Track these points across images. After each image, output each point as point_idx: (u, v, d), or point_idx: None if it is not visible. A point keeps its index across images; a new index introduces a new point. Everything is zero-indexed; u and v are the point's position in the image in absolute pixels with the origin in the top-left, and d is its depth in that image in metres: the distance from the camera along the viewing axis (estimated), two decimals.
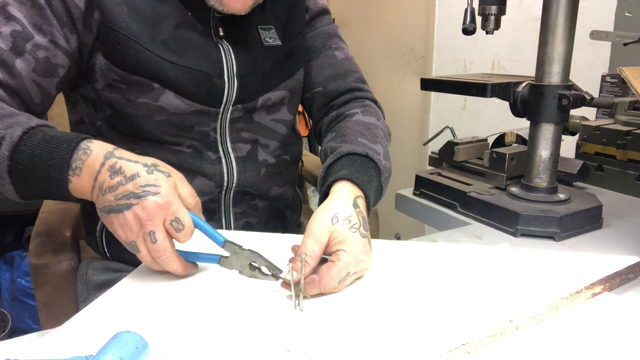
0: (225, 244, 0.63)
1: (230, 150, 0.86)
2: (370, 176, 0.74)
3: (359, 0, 2.37)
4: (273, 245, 0.73)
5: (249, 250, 0.63)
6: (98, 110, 0.82)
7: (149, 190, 0.60)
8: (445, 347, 0.50)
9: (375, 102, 0.97)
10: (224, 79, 0.82)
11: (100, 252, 0.91)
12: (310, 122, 1.05)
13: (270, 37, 0.87)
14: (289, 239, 0.75)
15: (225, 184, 0.86)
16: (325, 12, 0.98)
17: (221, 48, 0.82)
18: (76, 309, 0.92)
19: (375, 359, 0.49)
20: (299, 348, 0.51)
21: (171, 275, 0.65)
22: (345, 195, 0.69)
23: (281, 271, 0.63)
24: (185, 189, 0.64)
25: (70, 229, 1.05)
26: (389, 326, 0.54)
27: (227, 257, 0.64)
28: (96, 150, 0.62)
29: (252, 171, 0.88)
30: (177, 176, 0.64)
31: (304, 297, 0.59)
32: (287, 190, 0.95)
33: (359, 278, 0.65)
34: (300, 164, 1.04)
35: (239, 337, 0.53)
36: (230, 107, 0.84)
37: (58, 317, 0.99)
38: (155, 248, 0.61)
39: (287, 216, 0.96)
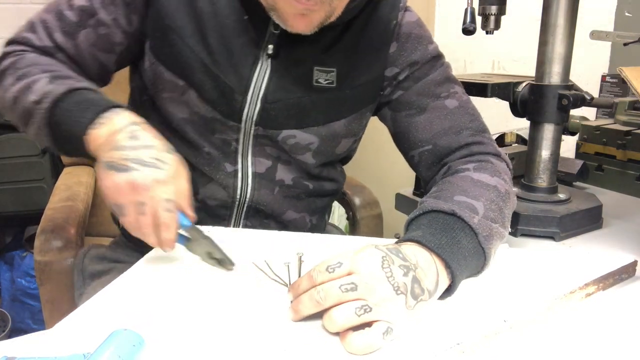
0: (190, 228, 0.64)
1: (249, 164, 0.82)
2: (451, 237, 0.60)
3: None
4: (272, 245, 0.73)
5: (208, 238, 0.65)
6: (142, 88, 0.84)
7: (156, 164, 0.61)
8: (440, 347, 0.50)
9: (499, 155, 0.80)
10: (246, 99, 0.78)
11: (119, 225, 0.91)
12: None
13: (326, 80, 0.79)
14: (289, 238, 0.75)
15: (238, 197, 0.83)
16: (435, 58, 0.84)
17: (259, 65, 0.78)
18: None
19: (371, 358, 0.49)
20: (295, 347, 0.51)
21: (169, 274, 0.65)
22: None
23: (233, 264, 0.65)
24: (185, 185, 0.65)
25: (75, 226, 1.06)
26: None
27: (190, 241, 0.66)
28: (126, 115, 0.65)
29: (266, 189, 0.84)
30: (185, 170, 0.65)
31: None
32: (306, 218, 0.89)
33: (374, 315, 0.51)
34: (338, 196, 0.99)
35: (235, 335, 0.53)
36: (253, 125, 0.80)
37: (62, 313, 0.99)
38: (143, 221, 0.61)
39: None
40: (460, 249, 0.60)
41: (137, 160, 0.60)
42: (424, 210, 0.65)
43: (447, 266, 0.58)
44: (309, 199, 0.89)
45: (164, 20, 0.76)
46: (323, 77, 0.79)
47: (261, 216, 0.86)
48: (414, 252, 0.57)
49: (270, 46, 0.77)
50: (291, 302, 0.56)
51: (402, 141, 0.85)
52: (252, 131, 0.81)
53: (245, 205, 0.84)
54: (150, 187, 0.60)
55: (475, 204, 0.65)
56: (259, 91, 0.78)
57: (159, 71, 0.78)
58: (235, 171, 0.82)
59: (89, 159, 0.69)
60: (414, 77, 0.83)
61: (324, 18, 0.69)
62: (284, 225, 0.87)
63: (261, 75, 0.78)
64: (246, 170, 0.83)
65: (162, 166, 0.61)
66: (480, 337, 0.52)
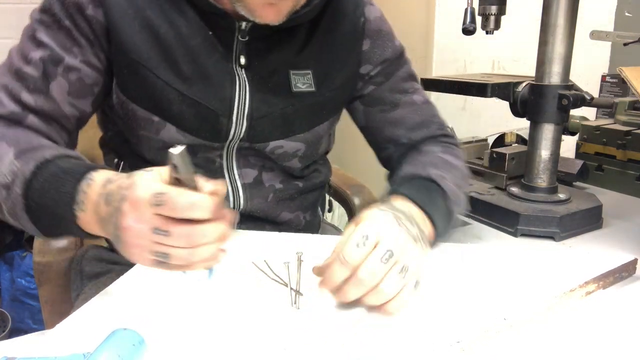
0: None
1: (237, 177, 0.82)
2: (431, 196, 0.69)
3: None
4: (272, 246, 0.74)
5: None
6: (111, 122, 0.80)
7: (125, 189, 0.51)
8: (441, 345, 0.50)
9: (458, 146, 0.89)
10: (232, 119, 0.76)
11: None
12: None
13: (304, 83, 0.79)
14: (288, 238, 0.75)
15: (232, 208, 0.82)
16: (402, 54, 0.87)
17: (237, 81, 0.75)
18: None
19: (371, 355, 0.49)
20: (295, 345, 0.51)
21: (169, 274, 0.65)
22: (386, 202, 0.64)
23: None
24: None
25: None
26: (385, 323, 0.54)
27: None
28: (98, 179, 0.55)
29: (259, 198, 0.83)
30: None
31: (301, 295, 0.59)
32: (300, 216, 0.90)
33: (411, 273, 0.55)
34: (326, 188, 0.99)
35: (236, 334, 0.53)
36: (238, 141, 0.79)
37: (61, 314, 0.99)
38: (191, 232, 0.48)
39: None
40: (438, 208, 0.68)
41: (114, 200, 0.51)
42: (404, 175, 0.73)
43: (431, 221, 0.65)
44: (301, 196, 0.89)
45: (130, 55, 0.71)
46: (301, 82, 0.78)
47: (255, 220, 0.85)
48: (405, 205, 0.64)
49: (242, 57, 0.75)
50: (330, 292, 0.55)
51: (376, 135, 0.89)
52: (235, 146, 0.79)
53: (239, 213, 0.83)
54: (142, 205, 0.49)
55: (446, 176, 0.73)
56: (244, 109, 0.76)
57: (130, 109, 0.74)
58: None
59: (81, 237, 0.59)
60: (385, 72, 0.85)
61: (291, 7, 0.68)
62: (278, 225, 0.87)
63: (242, 92, 0.76)
64: (235, 184, 0.82)
65: (128, 184, 0.52)
66: (480, 335, 0.52)
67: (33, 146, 0.63)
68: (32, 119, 0.69)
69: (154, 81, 0.72)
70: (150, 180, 0.49)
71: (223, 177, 0.81)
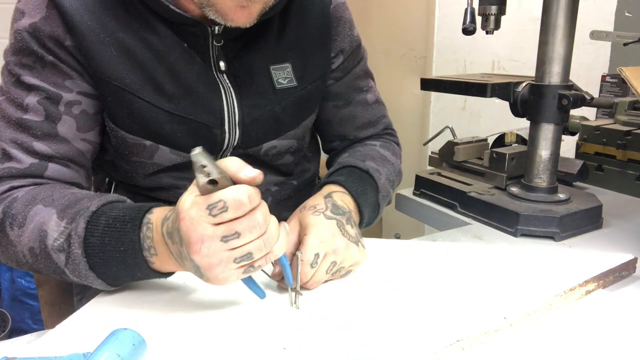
0: None
1: None
2: (364, 188, 0.75)
3: (359, 0, 2.37)
4: None
5: None
6: (101, 149, 0.78)
7: (180, 221, 0.50)
8: (441, 344, 0.50)
9: (398, 144, 0.96)
10: (225, 129, 0.75)
11: None
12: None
13: (285, 78, 0.79)
14: None
15: None
16: (358, 46, 0.88)
17: (222, 89, 0.74)
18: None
19: (371, 355, 0.49)
20: (295, 345, 0.51)
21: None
22: (322, 192, 0.71)
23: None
24: None
25: None
26: (385, 322, 0.55)
27: None
28: (156, 222, 0.56)
29: None
30: None
31: (301, 295, 0.60)
32: None
33: (345, 272, 0.66)
34: (316, 181, 1.00)
35: (236, 334, 0.53)
36: (231, 149, 0.79)
37: (60, 315, 0.99)
38: (267, 236, 0.51)
39: None
40: (368, 200, 0.75)
41: (173, 234, 0.53)
42: (343, 164, 0.78)
43: (359, 210, 0.73)
44: (297, 194, 0.91)
45: (112, 82, 0.69)
46: (282, 77, 0.78)
47: None
48: (343, 200, 0.71)
49: (221, 62, 0.74)
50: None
51: (325, 128, 0.93)
52: (229, 154, 0.79)
53: None
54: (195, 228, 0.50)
55: (381, 170, 0.81)
56: (234, 117, 0.76)
57: (120, 137, 0.73)
58: None
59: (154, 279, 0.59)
60: (343, 67, 0.87)
61: (261, 9, 0.67)
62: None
63: (230, 99, 0.75)
64: None
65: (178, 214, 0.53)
66: (480, 334, 0.52)
67: (70, 201, 0.61)
68: (52, 168, 0.67)
69: (140, 105, 0.70)
70: (193, 200, 0.49)
71: None
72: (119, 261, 0.57)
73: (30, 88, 0.66)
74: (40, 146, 0.66)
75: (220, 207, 0.47)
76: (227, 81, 0.75)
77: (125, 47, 0.69)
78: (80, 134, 0.70)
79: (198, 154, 0.45)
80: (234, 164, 0.49)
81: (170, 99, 0.71)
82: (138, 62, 0.69)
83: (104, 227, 0.57)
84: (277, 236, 0.52)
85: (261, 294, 0.58)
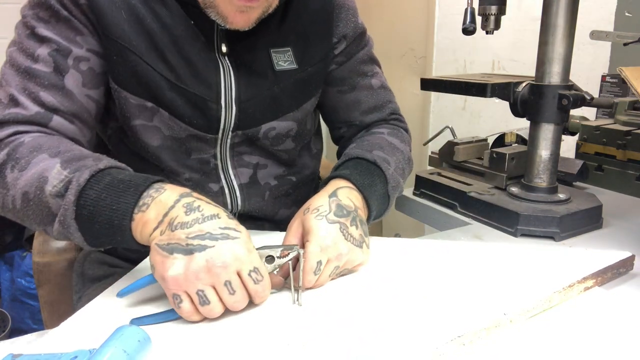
0: None
1: (232, 177, 0.82)
2: (372, 180, 0.74)
3: (359, 0, 2.37)
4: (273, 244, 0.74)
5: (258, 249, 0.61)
6: (110, 117, 0.79)
7: (228, 234, 0.55)
8: (442, 339, 0.51)
9: (407, 130, 0.95)
10: (221, 104, 0.76)
11: None
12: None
13: (285, 60, 0.80)
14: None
15: (230, 210, 0.83)
16: (363, 33, 0.89)
17: (222, 68, 0.76)
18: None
19: (373, 351, 0.49)
20: (298, 341, 0.51)
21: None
22: (327, 189, 0.70)
23: (296, 246, 0.62)
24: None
25: None
26: (387, 319, 0.55)
27: None
28: (171, 188, 0.58)
29: (256, 197, 0.84)
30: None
31: (303, 292, 0.60)
32: (296, 211, 0.91)
33: (348, 272, 0.66)
34: (316, 181, 1.00)
35: (240, 331, 0.54)
36: (230, 132, 0.79)
37: (60, 315, 0.99)
38: (234, 299, 0.54)
39: None
40: (376, 192, 0.74)
41: (205, 236, 0.54)
42: (350, 156, 0.78)
43: (367, 203, 0.72)
44: (295, 192, 0.90)
45: (119, 42, 0.71)
46: (282, 59, 0.80)
47: (255, 220, 0.86)
48: (348, 195, 0.69)
49: (224, 45, 0.76)
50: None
51: (331, 114, 0.93)
52: (228, 141, 0.80)
53: (237, 215, 0.84)
54: (232, 263, 0.53)
55: (390, 160, 0.79)
56: (231, 93, 0.77)
57: (123, 97, 0.74)
58: (222, 188, 0.81)
59: (128, 248, 0.60)
60: (346, 52, 0.87)
61: (261, 13, 0.70)
62: (277, 224, 0.88)
63: (228, 77, 0.76)
64: (232, 185, 0.82)
65: (236, 234, 0.55)
66: (480, 330, 0.52)
67: (76, 155, 0.62)
68: (57, 120, 0.68)
69: (144, 68, 0.72)
70: (253, 252, 0.56)
71: (219, 179, 0.81)
72: (105, 218, 0.57)
73: (42, 40, 0.69)
74: (46, 96, 0.68)
75: (255, 276, 0.56)
76: (228, 62, 0.77)
77: (135, 13, 0.71)
78: (85, 89, 0.71)
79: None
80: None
81: (172, 69, 0.73)
82: (145, 30, 0.72)
83: (106, 184, 0.58)
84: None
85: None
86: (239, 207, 0.83)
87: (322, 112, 0.93)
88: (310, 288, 0.62)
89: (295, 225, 0.67)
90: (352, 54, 0.88)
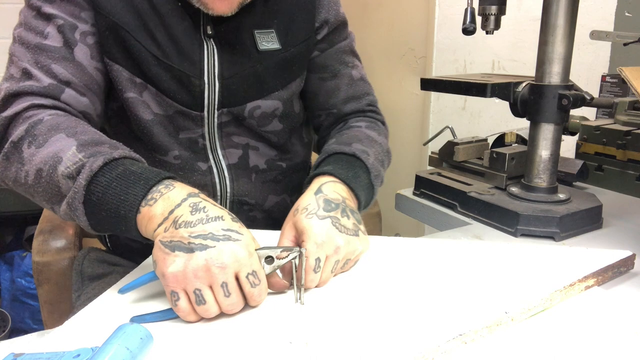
0: None
1: (221, 157, 0.83)
2: (355, 173, 0.75)
3: (359, 0, 2.37)
4: (274, 243, 0.74)
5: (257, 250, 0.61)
6: (111, 98, 0.81)
7: (230, 236, 0.55)
8: (443, 338, 0.51)
9: (384, 123, 0.97)
10: (204, 80, 0.78)
11: (102, 240, 0.91)
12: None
13: (269, 41, 0.82)
14: None
15: (219, 194, 0.84)
16: (344, 24, 0.92)
17: (206, 47, 0.78)
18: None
19: (375, 349, 0.49)
20: (301, 339, 0.52)
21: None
22: (312, 187, 0.71)
23: (296, 247, 0.62)
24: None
25: (74, 227, 1.06)
26: (388, 317, 0.55)
27: None
28: (180, 186, 0.59)
29: (244, 178, 0.85)
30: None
31: (305, 291, 0.61)
32: (287, 199, 0.92)
33: (352, 263, 0.67)
34: (307, 170, 1.01)
35: (242, 329, 0.54)
36: (216, 111, 0.80)
37: (60, 314, 0.99)
38: (229, 302, 0.54)
39: None
40: (361, 182, 0.75)
41: (207, 236, 0.55)
42: (329, 152, 0.79)
43: (355, 195, 0.73)
44: (286, 179, 0.91)
45: (111, 18, 0.73)
46: (266, 40, 0.82)
47: (246, 209, 0.87)
48: (334, 188, 0.70)
49: (209, 27, 0.78)
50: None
51: (311, 101, 0.94)
52: (216, 120, 0.81)
53: (228, 200, 0.85)
54: (230, 264, 0.54)
55: (369, 151, 0.81)
56: (214, 69, 0.79)
57: (115, 71, 0.76)
58: (210, 167, 0.83)
59: (132, 239, 0.60)
60: (329, 40, 0.90)
61: (242, 0, 0.74)
62: (268, 213, 0.89)
63: (211, 55, 0.79)
64: (220, 165, 0.83)
65: (237, 236, 0.56)
66: (482, 328, 0.53)
67: (93, 139, 0.64)
68: (69, 93, 0.70)
69: (133, 43, 0.74)
70: (253, 255, 0.56)
71: (207, 159, 0.82)
72: (112, 207, 0.58)
73: (49, 17, 0.71)
74: (58, 69, 0.70)
75: (252, 280, 0.56)
76: (213, 43, 0.79)
77: None
78: (94, 62, 0.74)
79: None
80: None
81: (159, 46, 0.76)
82: (135, 8, 0.74)
83: (118, 174, 0.59)
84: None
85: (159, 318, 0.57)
86: (228, 188, 0.84)
87: (303, 99, 0.95)
88: (316, 287, 0.62)
89: (287, 228, 0.67)
90: (334, 42, 0.91)
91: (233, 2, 0.73)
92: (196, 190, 0.60)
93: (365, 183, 0.76)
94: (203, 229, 0.55)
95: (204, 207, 0.57)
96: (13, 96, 0.67)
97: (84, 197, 0.58)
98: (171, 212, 0.57)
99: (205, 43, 0.78)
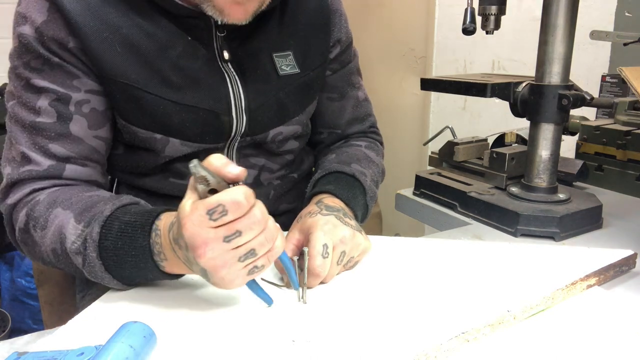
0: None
1: None
2: (354, 193, 0.77)
3: (359, 0, 2.37)
4: None
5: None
6: (114, 142, 0.79)
7: (182, 228, 0.52)
8: (446, 336, 0.51)
9: (382, 143, 1.00)
10: (232, 116, 0.76)
11: None
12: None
13: (287, 65, 0.81)
14: None
15: None
16: (351, 43, 0.92)
17: (227, 77, 0.76)
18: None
19: (377, 347, 0.50)
20: (303, 338, 0.52)
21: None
22: (313, 200, 0.72)
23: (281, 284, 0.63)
24: None
25: None
26: (391, 316, 0.55)
27: None
28: (163, 228, 0.58)
29: (261, 197, 0.83)
30: None
31: (308, 289, 0.61)
32: (299, 206, 0.91)
33: (354, 262, 0.67)
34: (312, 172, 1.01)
35: (245, 327, 0.54)
36: (239, 138, 0.80)
37: (60, 315, 0.99)
38: (268, 235, 0.52)
39: None
40: (358, 203, 0.77)
41: (182, 245, 0.53)
42: (330, 170, 0.80)
43: (354, 214, 0.75)
44: (296, 187, 0.92)
45: (118, 80, 0.70)
46: (284, 64, 0.81)
47: None
48: (334, 201, 0.72)
49: (225, 52, 0.75)
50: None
51: (315, 119, 0.94)
52: (236, 145, 0.81)
53: None
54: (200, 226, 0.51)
55: (366, 172, 0.83)
56: (241, 103, 0.77)
57: (132, 132, 0.74)
58: None
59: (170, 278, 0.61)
60: (340, 60, 0.90)
61: (257, 6, 0.70)
62: (280, 217, 0.89)
63: (235, 86, 0.76)
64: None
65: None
66: (484, 327, 0.53)
67: (87, 205, 0.63)
68: (70, 169, 0.70)
69: (148, 99, 0.72)
70: (192, 206, 0.50)
71: None
72: (132, 265, 0.59)
73: (40, 91, 0.68)
74: (56, 148, 0.68)
75: (220, 211, 0.49)
76: (232, 69, 0.77)
77: (129, 42, 0.70)
78: (92, 131, 0.72)
79: (196, 166, 0.49)
80: (218, 160, 0.50)
81: (177, 90, 0.72)
82: (143, 57, 0.70)
83: (117, 232, 0.59)
84: (277, 232, 0.53)
85: (269, 301, 0.58)
86: None
87: None
88: (321, 283, 0.62)
89: (292, 233, 0.67)
90: (345, 63, 0.91)
91: (248, 10, 0.69)
92: (172, 218, 0.57)
93: (361, 204, 0.78)
94: (182, 255, 0.55)
95: (177, 238, 0.54)
96: (15, 183, 0.68)
97: (103, 266, 0.59)
98: (177, 257, 0.56)
99: (225, 72, 0.76)
